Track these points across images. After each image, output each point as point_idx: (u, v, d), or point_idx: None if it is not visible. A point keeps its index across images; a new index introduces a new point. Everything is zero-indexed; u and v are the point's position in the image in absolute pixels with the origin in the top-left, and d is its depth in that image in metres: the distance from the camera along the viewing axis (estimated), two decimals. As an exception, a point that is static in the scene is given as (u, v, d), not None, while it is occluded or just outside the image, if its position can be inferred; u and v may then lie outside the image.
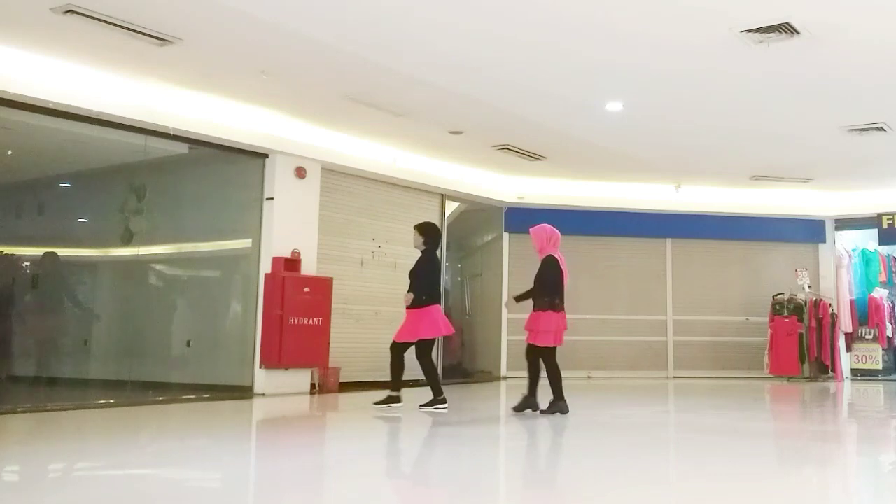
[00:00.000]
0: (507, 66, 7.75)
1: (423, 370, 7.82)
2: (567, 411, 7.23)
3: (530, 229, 7.64)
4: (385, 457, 5.60)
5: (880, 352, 13.36)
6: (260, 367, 9.27)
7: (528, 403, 7.36)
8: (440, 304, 8.10)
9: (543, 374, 7.35)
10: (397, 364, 7.89)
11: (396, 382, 7.86)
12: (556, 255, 7.35)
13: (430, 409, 7.69)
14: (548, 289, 7.27)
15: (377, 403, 7.89)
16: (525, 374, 7.47)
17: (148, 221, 10.02)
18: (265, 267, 9.46)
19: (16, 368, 10.54)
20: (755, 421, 8.16)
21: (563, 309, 7.29)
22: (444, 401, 7.72)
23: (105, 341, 10.90)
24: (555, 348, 7.29)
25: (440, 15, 6.56)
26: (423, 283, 7.86)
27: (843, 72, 7.73)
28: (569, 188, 13.12)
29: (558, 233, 7.53)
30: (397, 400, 7.81)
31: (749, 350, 13.43)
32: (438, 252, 8.23)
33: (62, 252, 10.71)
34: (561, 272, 7.30)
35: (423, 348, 7.77)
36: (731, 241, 13.89)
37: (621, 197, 13.34)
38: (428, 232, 8.10)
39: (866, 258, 14.06)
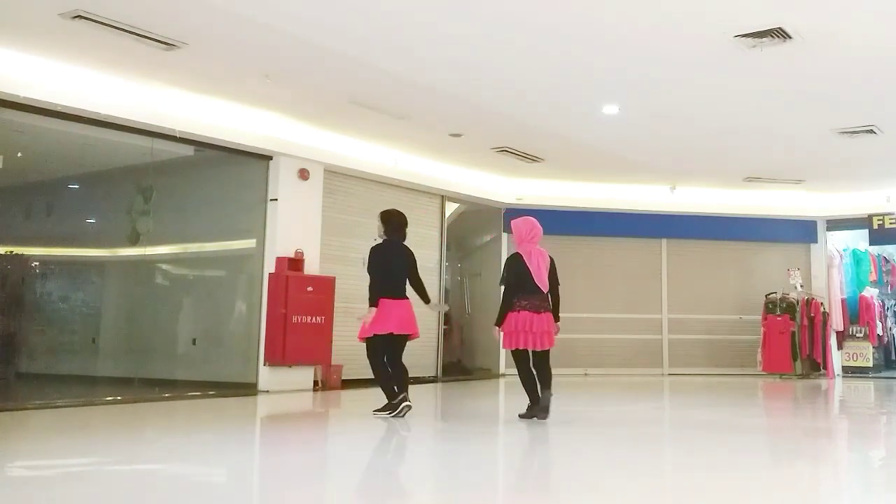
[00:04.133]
0: (506, 70, 7.86)
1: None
2: (546, 416, 6.53)
3: (512, 221, 7.02)
4: (386, 453, 5.66)
5: (871, 349, 13.52)
6: (264, 365, 9.40)
7: (532, 411, 6.64)
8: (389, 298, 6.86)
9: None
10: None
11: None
12: (521, 252, 6.72)
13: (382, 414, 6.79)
14: (506, 290, 6.70)
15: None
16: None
17: (154, 222, 10.14)
18: (269, 266, 9.58)
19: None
20: (748, 417, 8.26)
21: (523, 308, 6.54)
22: (394, 406, 6.72)
23: (113, 339, 11.05)
24: (524, 351, 6.58)
25: (442, 21, 6.68)
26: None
27: (834, 76, 7.84)
28: (566, 189, 13.25)
29: (538, 228, 6.83)
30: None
31: (742, 348, 13.58)
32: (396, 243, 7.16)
33: (70, 252, 10.78)
34: (523, 269, 6.62)
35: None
36: (725, 241, 14.01)
37: (617, 198, 13.47)
38: (384, 220, 7.27)
39: (857, 258, 14.21)
